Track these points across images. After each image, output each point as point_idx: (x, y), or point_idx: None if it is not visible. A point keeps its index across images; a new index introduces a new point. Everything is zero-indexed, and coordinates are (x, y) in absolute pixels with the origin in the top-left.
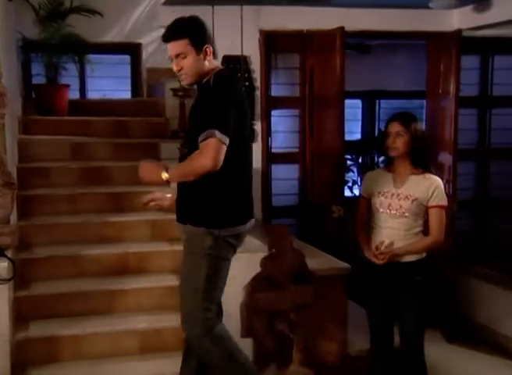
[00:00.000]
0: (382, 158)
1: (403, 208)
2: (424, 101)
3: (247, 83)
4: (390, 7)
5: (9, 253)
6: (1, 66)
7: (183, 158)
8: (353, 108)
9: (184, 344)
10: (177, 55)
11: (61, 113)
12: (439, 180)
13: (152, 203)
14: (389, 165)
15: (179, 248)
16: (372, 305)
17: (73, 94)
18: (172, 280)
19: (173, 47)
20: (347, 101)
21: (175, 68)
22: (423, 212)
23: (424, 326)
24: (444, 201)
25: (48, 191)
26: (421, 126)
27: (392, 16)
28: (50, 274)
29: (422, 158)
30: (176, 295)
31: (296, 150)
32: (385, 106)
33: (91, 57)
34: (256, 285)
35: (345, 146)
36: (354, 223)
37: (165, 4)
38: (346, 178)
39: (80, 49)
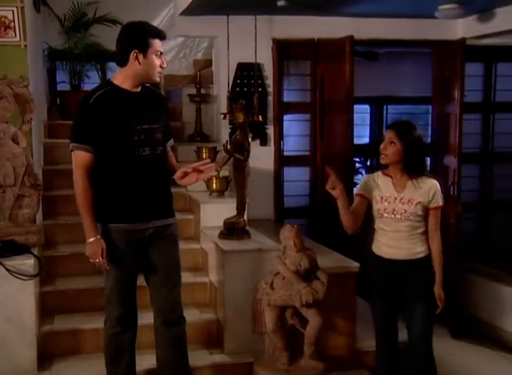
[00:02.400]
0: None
1: (408, 212)
2: (430, 107)
3: (259, 89)
4: (397, 17)
5: (35, 251)
6: (29, 74)
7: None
8: (361, 113)
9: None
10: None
11: None
12: (436, 182)
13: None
14: (386, 169)
15: (196, 246)
16: (377, 300)
17: None
18: (189, 277)
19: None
20: (356, 107)
21: (165, 64)
22: (425, 213)
23: (432, 323)
24: (441, 202)
25: (72, 192)
26: (419, 134)
27: (400, 25)
28: (74, 270)
29: (417, 167)
30: (193, 291)
31: (307, 153)
32: (392, 111)
33: (112, 65)
34: (269, 282)
35: (354, 149)
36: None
37: (182, 14)
38: (355, 180)
39: (102, 57)
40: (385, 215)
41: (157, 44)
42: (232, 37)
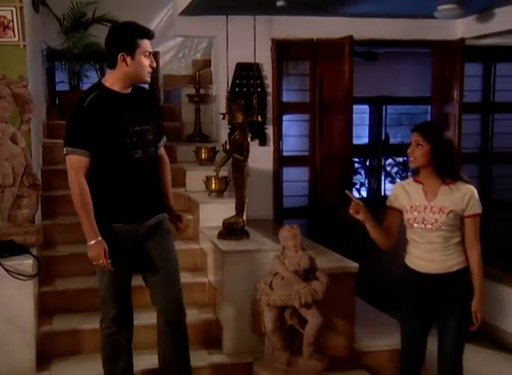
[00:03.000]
0: (388, 161)
1: (439, 222)
2: (429, 107)
3: (259, 89)
4: (397, 17)
5: (34, 251)
6: (28, 74)
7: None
8: (360, 113)
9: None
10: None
11: None
12: (472, 188)
13: None
14: (417, 175)
15: (195, 246)
16: (407, 316)
17: None
18: (188, 277)
19: (150, 45)
20: (355, 107)
21: (155, 64)
22: (459, 222)
23: (464, 339)
24: (479, 209)
25: (70, 192)
26: (447, 134)
27: (399, 26)
28: (73, 271)
29: (448, 169)
30: (192, 291)
31: (307, 153)
32: (391, 111)
33: None
34: (268, 282)
35: (353, 149)
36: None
37: (181, 14)
38: (354, 180)
39: (101, 57)
40: (416, 225)
41: (145, 44)
42: (231, 37)
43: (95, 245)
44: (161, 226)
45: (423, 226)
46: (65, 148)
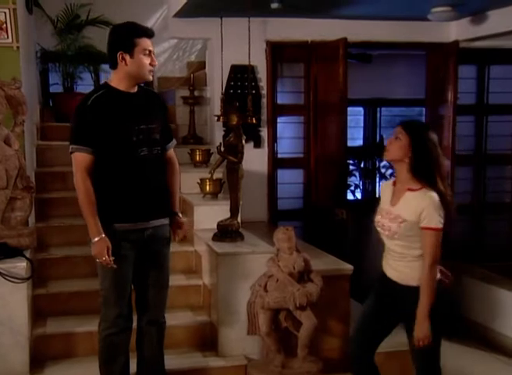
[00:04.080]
0: (383, 163)
1: (392, 230)
2: (424, 109)
3: (253, 92)
4: (391, 19)
5: (28, 253)
6: (22, 76)
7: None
8: (355, 116)
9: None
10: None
11: None
12: (431, 198)
13: None
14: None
15: (190, 248)
16: (365, 307)
17: None
18: (182, 280)
19: (152, 44)
20: (350, 109)
21: (156, 62)
22: (419, 234)
23: (436, 350)
24: (434, 223)
25: (64, 195)
26: (432, 136)
27: (393, 28)
28: (66, 273)
29: (423, 169)
30: (187, 294)
31: (301, 155)
32: (386, 113)
33: (106, 67)
34: (262, 285)
35: (348, 151)
36: None
37: (175, 16)
38: (349, 182)
39: (95, 59)
40: (378, 229)
41: (144, 42)
42: (225, 39)
43: (99, 242)
44: (163, 234)
45: (382, 231)
46: (70, 146)
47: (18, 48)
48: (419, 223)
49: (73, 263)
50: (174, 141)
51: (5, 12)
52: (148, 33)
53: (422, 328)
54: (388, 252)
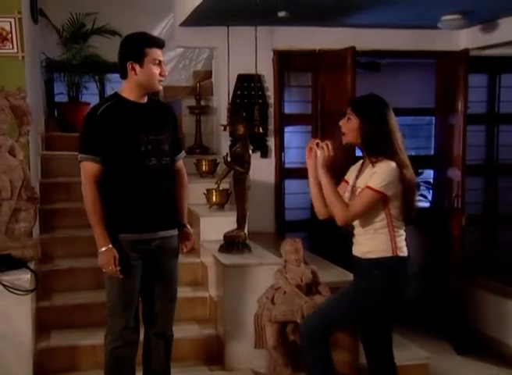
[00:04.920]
0: None
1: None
2: (433, 118)
3: (260, 101)
4: (400, 27)
5: (32, 265)
6: (27, 86)
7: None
8: None
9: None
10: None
11: None
12: (386, 165)
13: None
14: None
15: (196, 260)
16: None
17: None
18: (188, 292)
19: (162, 54)
20: None
21: (166, 73)
22: (380, 205)
23: (340, 322)
24: (373, 184)
25: (69, 205)
26: (379, 108)
27: (402, 36)
28: (71, 285)
29: (373, 146)
30: (193, 306)
31: None
32: None
33: (111, 76)
34: (269, 297)
35: (355, 161)
36: None
37: (181, 25)
38: None
39: (101, 69)
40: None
41: (154, 52)
42: (232, 48)
43: (105, 252)
44: (171, 245)
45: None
46: (78, 155)
47: (23, 57)
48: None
49: (78, 275)
50: (183, 153)
51: (10, 22)
52: (159, 44)
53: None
54: (354, 229)
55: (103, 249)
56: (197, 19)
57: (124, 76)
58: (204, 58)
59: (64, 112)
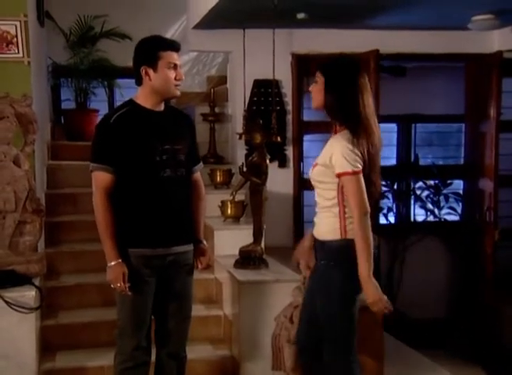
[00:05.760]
0: (418, 185)
1: (310, 177)
2: (463, 126)
3: (278, 108)
4: (427, 29)
5: (37, 281)
6: (33, 92)
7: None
8: (388, 133)
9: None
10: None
11: (90, 138)
12: (340, 140)
13: None
14: None
15: (210, 276)
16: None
17: None
18: (202, 310)
19: (178, 57)
20: (382, 126)
21: (182, 77)
22: (331, 181)
23: (348, 336)
24: (345, 167)
25: (76, 218)
26: (353, 74)
27: (429, 38)
28: (78, 303)
29: (338, 109)
30: (206, 325)
31: None
32: (421, 130)
33: (120, 81)
34: (288, 316)
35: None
36: None
37: (195, 27)
38: (381, 205)
39: (110, 74)
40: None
41: (168, 56)
42: (248, 52)
43: (114, 267)
44: (186, 260)
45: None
46: (90, 165)
47: (29, 62)
48: (330, 168)
49: (85, 292)
50: (201, 164)
51: (15, 25)
52: (174, 46)
53: (367, 292)
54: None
55: (112, 264)
56: (211, 21)
57: (139, 82)
58: (219, 63)
59: (71, 120)
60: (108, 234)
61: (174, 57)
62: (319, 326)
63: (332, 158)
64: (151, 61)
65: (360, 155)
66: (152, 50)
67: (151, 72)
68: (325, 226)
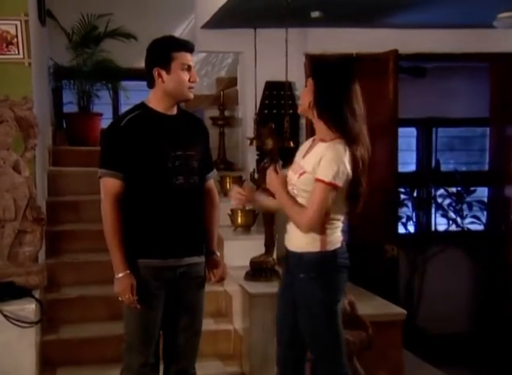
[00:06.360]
0: (439, 192)
1: (292, 183)
2: (488, 130)
3: (291, 111)
4: (449, 27)
5: (37, 294)
6: (33, 95)
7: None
8: (407, 138)
9: None
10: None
11: (93, 143)
12: (335, 148)
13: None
14: None
15: (219, 288)
16: (278, 301)
17: (106, 123)
18: (210, 324)
19: (192, 58)
20: (401, 130)
21: (197, 79)
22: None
23: (336, 349)
24: (325, 176)
25: (78, 227)
26: (346, 78)
27: (451, 37)
28: (80, 316)
29: (327, 111)
30: (215, 340)
31: None
32: (442, 135)
33: (125, 83)
34: None
35: (398, 178)
36: None
37: (203, 27)
38: (400, 214)
39: (114, 75)
40: (289, 187)
41: (182, 57)
42: (259, 52)
43: (122, 279)
44: (197, 273)
45: (289, 187)
46: (98, 171)
47: (30, 64)
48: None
49: (89, 305)
50: (215, 172)
51: (16, 25)
52: (187, 47)
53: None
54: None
55: (120, 275)
56: (221, 20)
57: (151, 84)
58: (229, 64)
59: (73, 124)
60: (116, 244)
61: (188, 58)
62: (300, 346)
63: (320, 162)
64: (164, 62)
65: (349, 170)
66: (165, 51)
67: (163, 74)
68: (304, 237)
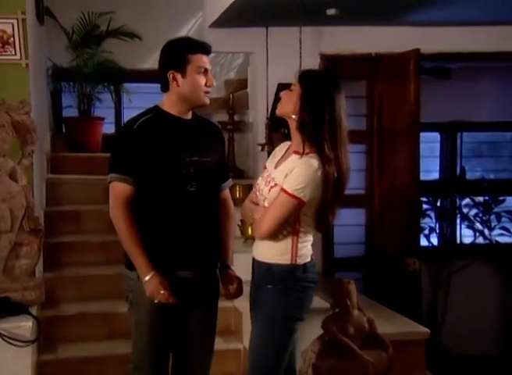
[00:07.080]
0: (465, 202)
1: (262, 194)
2: None
3: None
4: (474, 24)
5: (34, 310)
6: (31, 98)
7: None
8: (430, 143)
9: None
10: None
11: (94, 149)
12: (306, 164)
13: None
14: None
15: (228, 304)
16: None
17: (108, 128)
18: (219, 343)
19: (208, 61)
20: (423, 135)
21: (214, 83)
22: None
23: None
24: (290, 188)
25: (78, 238)
26: (334, 91)
27: (477, 35)
28: (79, 334)
29: (311, 129)
30: (223, 360)
31: (363, 192)
32: (468, 140)
33: (129, 86)
34: (317, 351)
35: (420, 187)
36: None
37: (212, 26)
38: (422, 225)
39: (117, 77)
40: (257, 193)
41: (198, 59)
42: (271, 52)
43: (151, 280)
44: (211, 287)
45: (258, 195)
46: (108, 176)
47: (27, 65)
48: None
49: (88, 322)
50: (231, 181)
51: (12, 24)
52: (204, 49)
53: None
54: None
55: (146, 278)
56: (230, 18)
57: (165, 88)
58: (239, 65)
59: (73, 129)
60: (136, 247)
61: (204, 61)
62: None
63: (288, 175)
64: (179, 65)
65: (317, 194)
66: (180, 53)
67: (179, 77)
68: (276, 249)
